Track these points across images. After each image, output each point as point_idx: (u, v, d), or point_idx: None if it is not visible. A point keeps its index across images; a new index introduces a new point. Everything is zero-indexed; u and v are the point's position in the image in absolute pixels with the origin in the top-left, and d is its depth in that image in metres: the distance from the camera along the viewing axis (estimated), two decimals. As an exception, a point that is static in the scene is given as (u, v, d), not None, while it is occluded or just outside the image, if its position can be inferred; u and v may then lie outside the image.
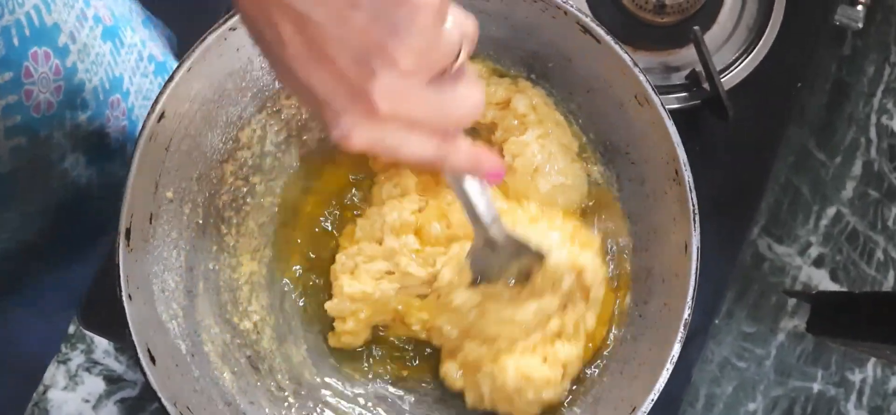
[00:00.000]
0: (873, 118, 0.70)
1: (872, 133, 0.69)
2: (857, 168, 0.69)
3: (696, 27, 0.58)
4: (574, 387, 0.52)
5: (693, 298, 0.46)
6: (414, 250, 0.51)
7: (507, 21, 0.52)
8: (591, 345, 0.52)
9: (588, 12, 0.57)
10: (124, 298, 0.45)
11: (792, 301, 0.67)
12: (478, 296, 0.50)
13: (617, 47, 0.48)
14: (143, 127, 0.46)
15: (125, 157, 0.63)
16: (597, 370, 0.51)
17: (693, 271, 0.47)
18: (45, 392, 0.62)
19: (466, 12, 0.34)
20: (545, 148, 0.53)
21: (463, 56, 0.34)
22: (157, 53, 0.67)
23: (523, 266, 0.49)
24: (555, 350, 0.50)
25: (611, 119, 0.53)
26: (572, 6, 0.48)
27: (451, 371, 0.52)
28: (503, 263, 0.48)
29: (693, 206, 0.47)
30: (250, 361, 0.52)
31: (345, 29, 0.30)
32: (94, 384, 0.62)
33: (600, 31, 0.48)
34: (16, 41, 0.48)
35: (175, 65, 0.68)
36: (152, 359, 0.45)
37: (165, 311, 0.48)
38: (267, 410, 0.50)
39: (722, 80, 0.60)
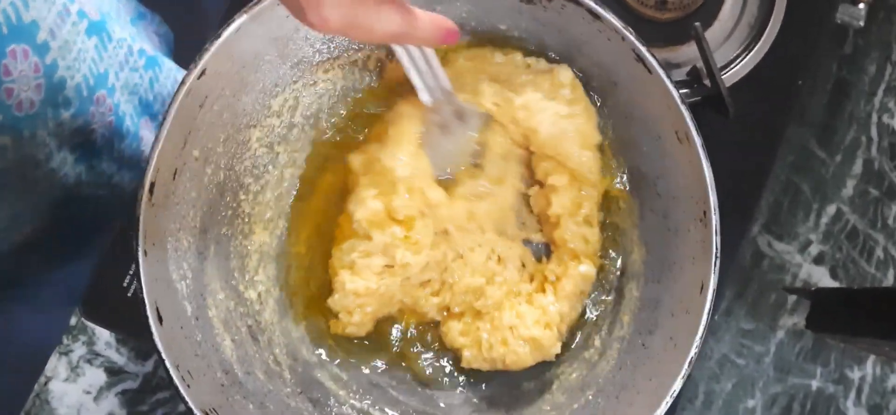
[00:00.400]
0: (874, 117, 0.70)
1: (873, 132, 0.69)
2: (857, 167, 0.69)
3: (697, 23, 0.58)
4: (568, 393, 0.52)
5: (702, 337, 0.46)
6: (402, 239, 0.52)
7: (560, 34, 0.52)
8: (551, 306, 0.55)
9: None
10: (140, 254, 0.45)
11: (791, 299, 0.67)
12: (462, 201, 0.53)
13: (667, 82, 0.48)
14: (183, 82, 0.47)
15: (113, 153, 0.62)
16: (591, 392, 0.51)
17: (706, 312, 0.46)
18: (46, 383, 0.62)
19: None
20: (557, 124, 0.53)
21: None
22: (148, 48, 0.67)
23: (480, 140, 0.51)
24: (540, 299, 0.54)
25: (644, 149, 0.53)
26: (631, 33, 0.48)
27: (453, 329, 0.54)
28: (460, 142, 0.51)
29: (716, 249, 0.47)
30: (251, 331, 0.52)
31: None
32: (96, 376, 0.63)
33: (654, 62, 0.48)
34: None
35: (167, 62, 0.69)
36: (160, 319, 0.45)
37: (176, 270, 0.48)
38: (262, 382, 0.51)
39: (723, 77, 0.60)
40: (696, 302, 0.47)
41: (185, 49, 0.76)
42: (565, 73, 0.54)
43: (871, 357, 0.66)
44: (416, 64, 0.49)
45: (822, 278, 0.67)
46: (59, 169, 0.57)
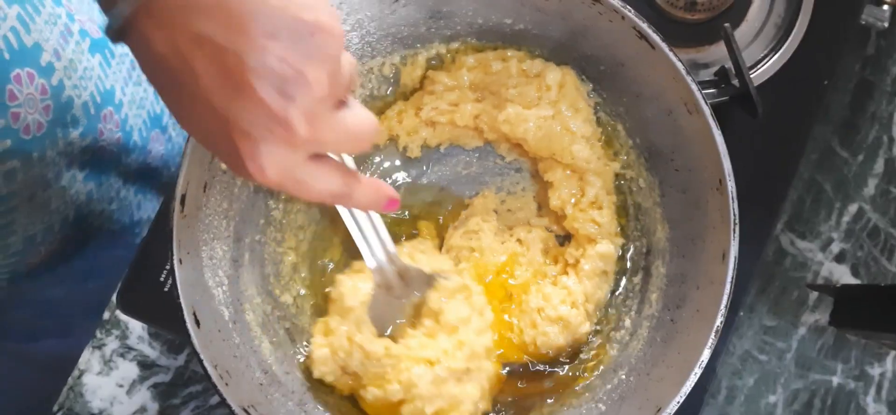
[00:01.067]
0: (896, 117, 0.71)
1: (895, 132, 0.70)
2: (879, 166, 0.70)
3: (726, 24, 0.59)
4: (599, 374, 0.53)
5: (726, 306, 0.47)
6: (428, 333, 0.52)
7: (564, 22, 0.53)
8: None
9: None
10: (175, 262, 0.46)
11: (813, 296, 0.68)
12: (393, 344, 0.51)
13: (671, 55, 0.49)
14: None
15: (120, 167, 0.63)
16: (624, 372, 0.52)
17: (729, 280, 0.47)
18: (80, 377, 0.63)
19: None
20: (543, 127, 0.55)
21: (355, 83, 0.38)
22: None
23: (420, 299, 0.52)
24: (564, 280, 0.56)
25: (658, 125, 0.53)
26: (630, 11, 0.49)
27: None
28: (402, 302, 0.52)
29: (734, 215, 0.48)
30: (289, 333, 0.53)
31: (264, 58, 0.32)
32: (129, 369, 0.63)
33: (656, 37, 0.49)
34: None
35: None
36: (197, 322, 0.46)
37: (212, 278, 0.49)
38: (301, 380, 0.51)
39: (751, 76, 0.60)
40: (719, 271, 0.48)
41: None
42: (553, 75, 0.55)
43: (892, 354, 0.67)
44: (360, 225, 0.49)
45: (844, 276, 0.68)
46: (70, 187, 0.57)
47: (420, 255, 0.54)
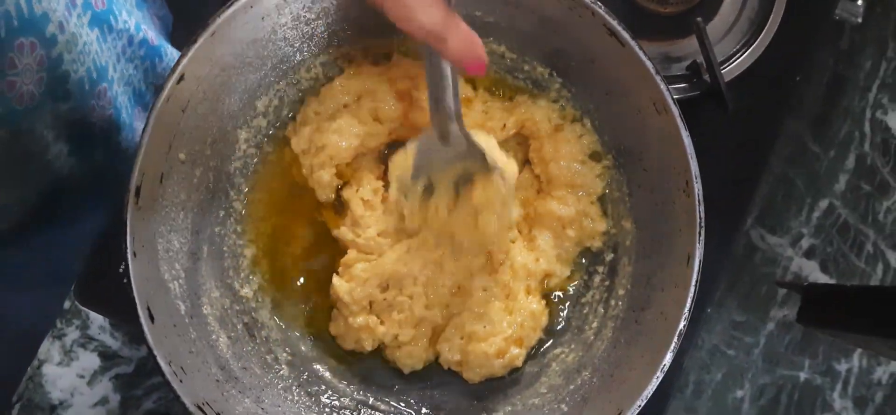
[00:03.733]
0: (868, 113, 0.70)
1: (866, 127, 0.70)
2: (850, 162, 0.70)
3: (698, 19, 0.58)
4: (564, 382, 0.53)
5: (690, 310, 0.47)
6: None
7: (535, 15, 0.52)
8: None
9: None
10: (129, 255, 0.45)
11: (782, 291, 0.68)
12: (424, 215, 0.52)
13: (640, 53, 0.48)
14: (162, 88, 0.46)
15: (110, 145, 0.62)
16: (588, 372, 0.52)
17: (693, 284, 0.47)
18: (39, 367, 0.62)
19: None
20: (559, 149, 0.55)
21: None
22: (151, 37, 0.66)
23: (466, 170, 0.51)
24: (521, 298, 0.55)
25: (627, 124, 0.53)
26: (600, 7, 0.48)
27: (444, 350, 0.54)
28: (449, 161, 0.50)
29: (700, 218, 0.47)
30: (247, 328, 0.52)
31: None
32: (89, 360, 0.62)
33: (625, 35, 0.48)
34: (3, 32, 0.46)
35: (170, 50, 0.68)
36: (151, 317, 0.45)
37: (168, 271, 0.48)
38: (259, 376, 0.51)
39: (722, 71, 0.60)
40: (684, 274, 0.48)
41: (181, 34, 0.75)
42: (539, 110, 0.56)
43: (858, 350, 0.68)
44: (439, 66, 0.48)
45: (813, 272, 0.68)
46: (54, 161, 0.56)
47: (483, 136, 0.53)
